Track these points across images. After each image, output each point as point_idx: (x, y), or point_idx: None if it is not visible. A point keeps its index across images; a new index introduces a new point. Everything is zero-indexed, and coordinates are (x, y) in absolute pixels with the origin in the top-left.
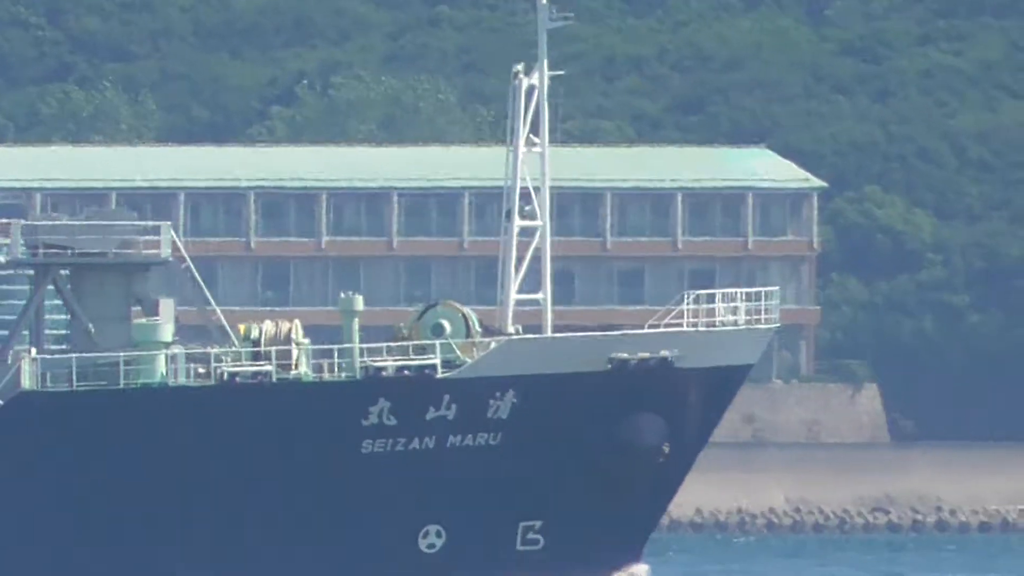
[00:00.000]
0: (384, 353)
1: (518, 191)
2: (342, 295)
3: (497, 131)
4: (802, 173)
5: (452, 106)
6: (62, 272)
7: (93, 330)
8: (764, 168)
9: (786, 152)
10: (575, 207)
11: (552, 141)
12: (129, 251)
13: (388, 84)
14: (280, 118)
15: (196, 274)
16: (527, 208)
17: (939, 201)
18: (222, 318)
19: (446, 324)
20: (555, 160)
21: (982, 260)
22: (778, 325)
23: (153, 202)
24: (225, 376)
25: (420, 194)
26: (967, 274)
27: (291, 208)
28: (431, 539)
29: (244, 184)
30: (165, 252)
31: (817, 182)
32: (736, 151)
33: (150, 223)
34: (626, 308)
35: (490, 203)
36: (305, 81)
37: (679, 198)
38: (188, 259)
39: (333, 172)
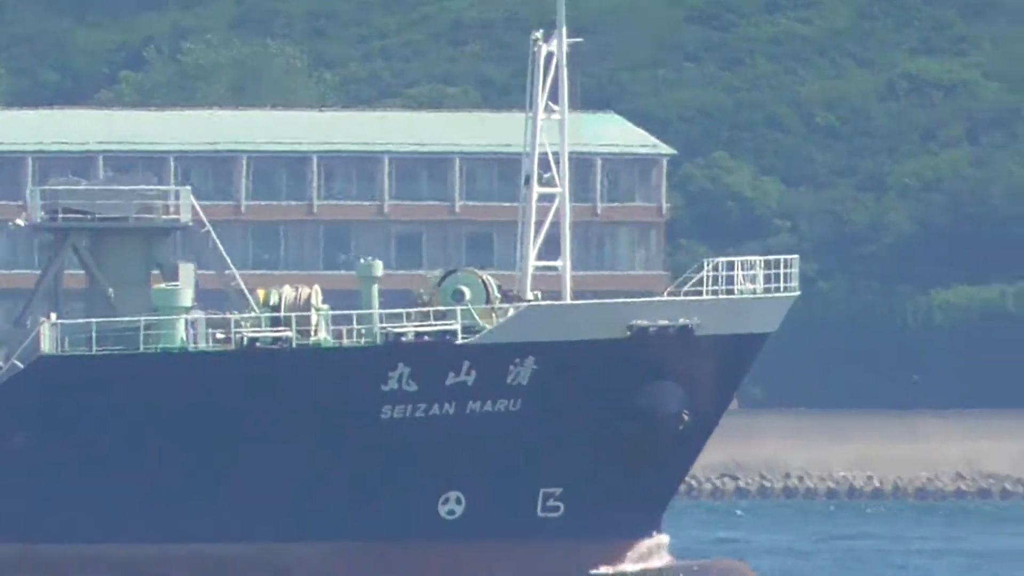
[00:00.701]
0: (404, 319)
1: (536, 157)
2: (361, 260)
3: (343, 96)
4: (651, 139)
5: (300, 70)
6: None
7: (113, 295)
8: (613, 134)
9: (635, 118)
10: (422, 172)
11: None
12: (149, 215)
13: (237, 48)
14: (129, 82)
15: (216, 239)
16: (546, 175)
17: (786, 168)
18: (241, 283)
19: (466, 290)
20: (402, 126)
21: (829, 227)
22: (798, 293)
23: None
24: (245, 341)
25: (270, 158)
26: (814, 241)
27: (140, 171)
28: (451, 505)
29: (94, 148)
30: (185, 216)
31: (666, 148)
32: (585, 116)
33: (170, 187)
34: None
35: (338, 168)
36: (153, 45)
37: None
38: (207, 224)
39: (182, 136)
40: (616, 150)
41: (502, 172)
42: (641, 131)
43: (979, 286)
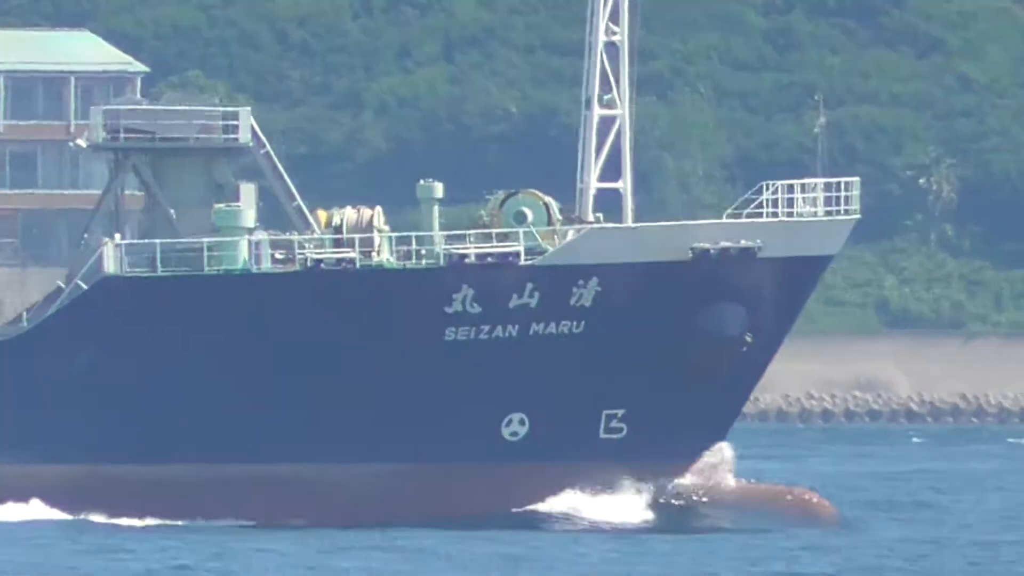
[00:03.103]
0: (466, 240)
1: (598, 79)
2: (421, 182)
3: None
4: (125, 57)
5: None
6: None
7: (175, 216)
8: (86, 52)
9: (109, 36)
10: None
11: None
12: (210, 136)
13: None
14: None
15: (276, 159)
16: (606, 97)
17: (259, 85)
18: (302, 204)
19: (528, 212)
20: None
21: (303, 145)
22: (859, 216)
23: None
24: (309, 262)
25: None
26: (291, 158)
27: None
28: (514, 427)
29: None
30: (245, 137)
31: (139, 66)
32: (58, 34)
33: (231, 108)
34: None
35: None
36: None
37: (0, 81)
38: (267, 144)
39: None
40: (89, 68)
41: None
42: (114, 49)
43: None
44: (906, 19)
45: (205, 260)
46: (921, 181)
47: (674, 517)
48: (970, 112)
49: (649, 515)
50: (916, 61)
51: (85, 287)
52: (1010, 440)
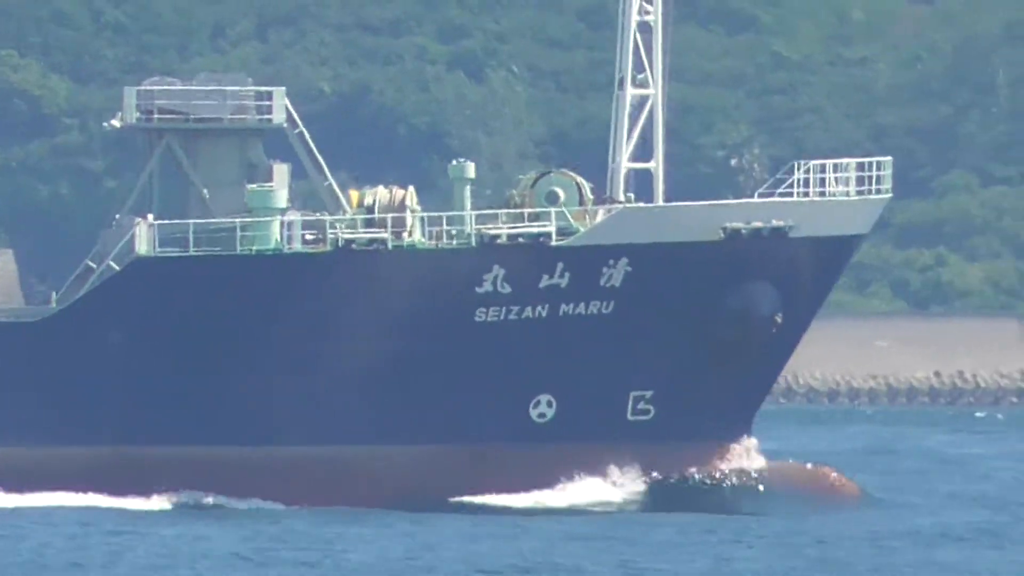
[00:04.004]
0: (498, 220)
1: (631, 59)
2: (454, 162)
3: None
4: None
5: None
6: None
7: (208, 196)
8: None
9: None
10: None
11: None
12: (244, 116)
13: None
14: None
15: (309, 140)
16: (639, 76)
17: (75, 64)
18: (334, 184)
19: (560, 191)
20: None
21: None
22: (890, 195)
23: None
24: (341, 242)
25: None
26: (102, 139)
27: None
28: (542, 408)
29: None
30: (279, 118)
31: None
32: None
33: (263, 88)
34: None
35: None
36: None
37: None
38: (301, 125)
39: None
40: None
41: None
42: None
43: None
44: None
45: (238, 240)
46: (732, 161)
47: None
48: (783, 90)
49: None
50: (727, 39)
51: (117, 268)
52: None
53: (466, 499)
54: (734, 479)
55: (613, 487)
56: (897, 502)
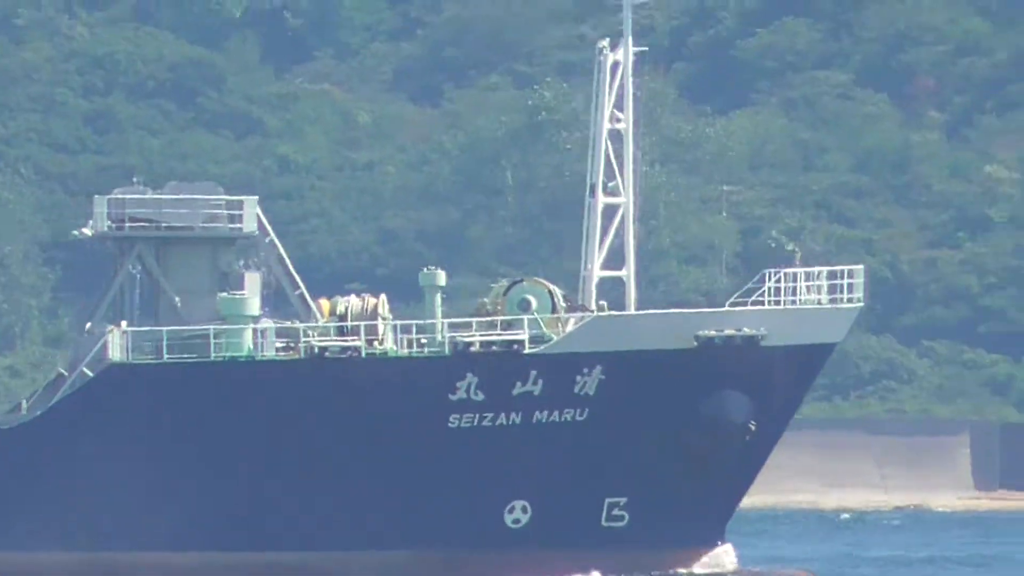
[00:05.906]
0: (470, 329)
1: (602, 167)
2: (424, 270)
3: None
4: None
5: None
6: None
7: (179, 304)
8: None
9: None
10: None
11: None
12: (215, 225)
13: None
14: None
15: (280, 248)
16: (610, 184)
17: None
18: (306, 293)
19: (532, 299)
20: None
21: None
22: (863, 304)
23: None
24: (315, 350)
25: None
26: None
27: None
28: (517, 514)
29: None
30: (250, 226)
31: None
32: None
33: (235, 198)
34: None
35: None
36: None
37: None
38: (271, 233)
39: None
40: None
41: None
42: None
43: None
44: (225, 101)
45: (212, 347)
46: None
47: None
48: (288, 194)
49: None
50: (235, 143)
51: (91, 374)
52: None
53: None
54: None
55: None
56: None
